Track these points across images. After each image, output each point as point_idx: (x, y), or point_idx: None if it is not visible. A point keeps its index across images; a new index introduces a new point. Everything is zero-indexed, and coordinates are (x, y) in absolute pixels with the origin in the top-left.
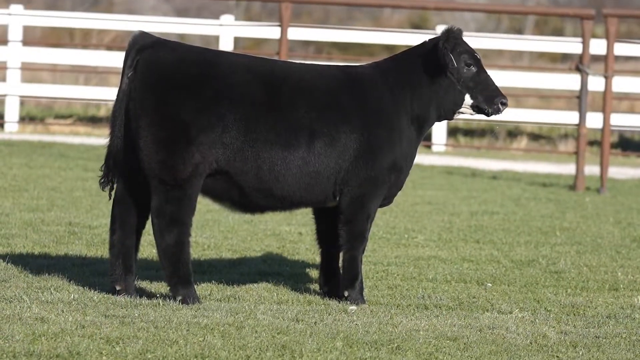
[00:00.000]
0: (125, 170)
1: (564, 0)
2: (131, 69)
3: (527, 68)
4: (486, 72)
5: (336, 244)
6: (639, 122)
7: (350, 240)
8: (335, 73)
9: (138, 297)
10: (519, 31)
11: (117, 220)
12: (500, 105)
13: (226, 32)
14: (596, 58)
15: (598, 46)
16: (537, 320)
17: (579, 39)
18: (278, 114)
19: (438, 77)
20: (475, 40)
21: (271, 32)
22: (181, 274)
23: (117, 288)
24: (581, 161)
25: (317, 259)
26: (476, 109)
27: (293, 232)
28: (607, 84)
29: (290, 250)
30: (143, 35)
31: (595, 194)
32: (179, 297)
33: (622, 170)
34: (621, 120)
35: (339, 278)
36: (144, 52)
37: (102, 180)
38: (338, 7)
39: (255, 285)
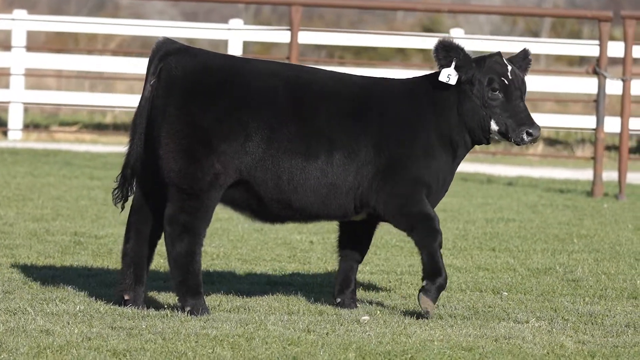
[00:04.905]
0: (144, 180)
1: (581, 2)
2: (154, 76)
3: (544, 71)
4: (519, 98)
5: (357, 256)
6: None
7: (422, 241)
8: (363, 83)
9: (146, 308)
10: (535, 34)
11: (132, 229)
12: (525, 135)
13: (235, 36)
14: (614, 61)
15: (616, 49)
16: (554, 329)
17: (597, 42)
18: (299, 123)
19: (463, 100)
20: (490, 43)
21: (281, 36)
22: (190, 283)
23: (126, 298)
24: (599, 166)
25: (329, 268)
26: (502, 135)
27: (304, 241)
28: (625, 88)
29: (301, 259)
30: (167, 41)
31: (613, 200)
32: (188, 308)
33: None
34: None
35: (353, 290)
36: (167, 59)
37: (116, 192)
38: (350, 10)
39: (266, 295)
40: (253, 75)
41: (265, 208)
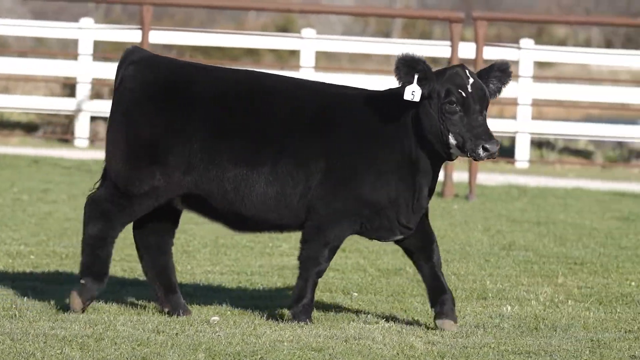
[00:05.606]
0: None
1: (433, 3)
2: (117, 85)
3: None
4: (477, 112)
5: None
6: (507, 127)
7: (304, 261)
8: (323, 92)
9: (188, 313)
10: (387, 34)
11: (141, 245)
12: (481, 150)
13: (85, 35)
14: (465, 62)
15: (467, 49)
16: (404, 330)
17: (448, 43)
18: (246, 133)
19: (422, 114)
20: (341, 44)
21: (132, 35)
22: (95, 269)
23: (166, 310)
24: (449, 167)
25: (179, 268)
26: (459, 149)
27: None
28: None
29: None
30: (134, 50)
31: (463, 200)
32: (82, 281)
33: (491, 176)
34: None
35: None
36: (128, 68)
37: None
38: (200, 10)
39: (115, 295)
40: (206, 84)
41: (225, 219)
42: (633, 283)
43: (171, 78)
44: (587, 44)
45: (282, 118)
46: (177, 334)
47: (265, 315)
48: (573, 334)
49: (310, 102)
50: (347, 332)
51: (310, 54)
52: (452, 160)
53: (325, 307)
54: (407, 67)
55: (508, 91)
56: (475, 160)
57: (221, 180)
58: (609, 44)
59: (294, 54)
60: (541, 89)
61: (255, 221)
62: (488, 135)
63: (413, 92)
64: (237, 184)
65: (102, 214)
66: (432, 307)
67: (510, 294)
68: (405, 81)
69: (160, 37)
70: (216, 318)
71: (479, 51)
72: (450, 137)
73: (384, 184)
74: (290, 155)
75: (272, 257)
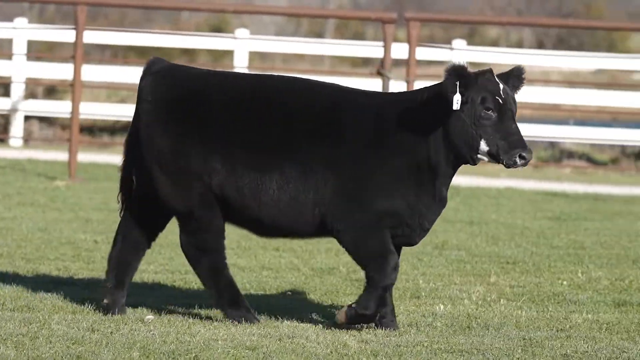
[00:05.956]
0: (137, 189)
1: (366, 4)
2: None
3: (328, 72)
4: (511, 119)
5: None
6: None
7: (371, 279)
8: (336, 97)
9: (124, 314)
10: (320, 35)
11: (120, 234)
12: (518, 158)
13: (20, 35)
14: (398, 62)
15: (400, 50)
16: (337, 329)
17: (381, 43)
18: (260, 139)
19: (450, 118)
20: (274, 44)
21: (66, 35)
22: (226, 296)
23: (105, 301)
24: None
25: None
26: (492, 157)
27: (89, 240)
28: (408, 89)
29: (85, 258)
30: (155, 61)
31: None
32: (231, 319)
33: None
34: None
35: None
36: (146, 80)
37: (121, 212)
38: (135, 10)
39: (50, 294)
40: (223, 92)
41: (246, 223)
42: (565, 282)
43: (187, 87)
44: (519, 44)
45: (296, 123)
46: (111, 332)
47: (199, 314)
48: (505, 333)
49: (327, 107)
50: (281, 331)
51: (244, 54)
52: (475, 164)
53: (259, 306)
54: (455, 76)
55: None
56: (508, 167)
57: (240, 184)
58: (540, 45)
59: (229, 53)
60: None
61: (271, 226)
62: (523, 144)
63: (457, 101)
64: (253, 188)
65: (197, 249)
66: None
67: (443, 293)
68: (452, 91)
69: (94, 37)
70: (151, 317)
71: (411, 52)
72: (482, 143)
73: (402, 193)
74: (301, 162)
75: None
